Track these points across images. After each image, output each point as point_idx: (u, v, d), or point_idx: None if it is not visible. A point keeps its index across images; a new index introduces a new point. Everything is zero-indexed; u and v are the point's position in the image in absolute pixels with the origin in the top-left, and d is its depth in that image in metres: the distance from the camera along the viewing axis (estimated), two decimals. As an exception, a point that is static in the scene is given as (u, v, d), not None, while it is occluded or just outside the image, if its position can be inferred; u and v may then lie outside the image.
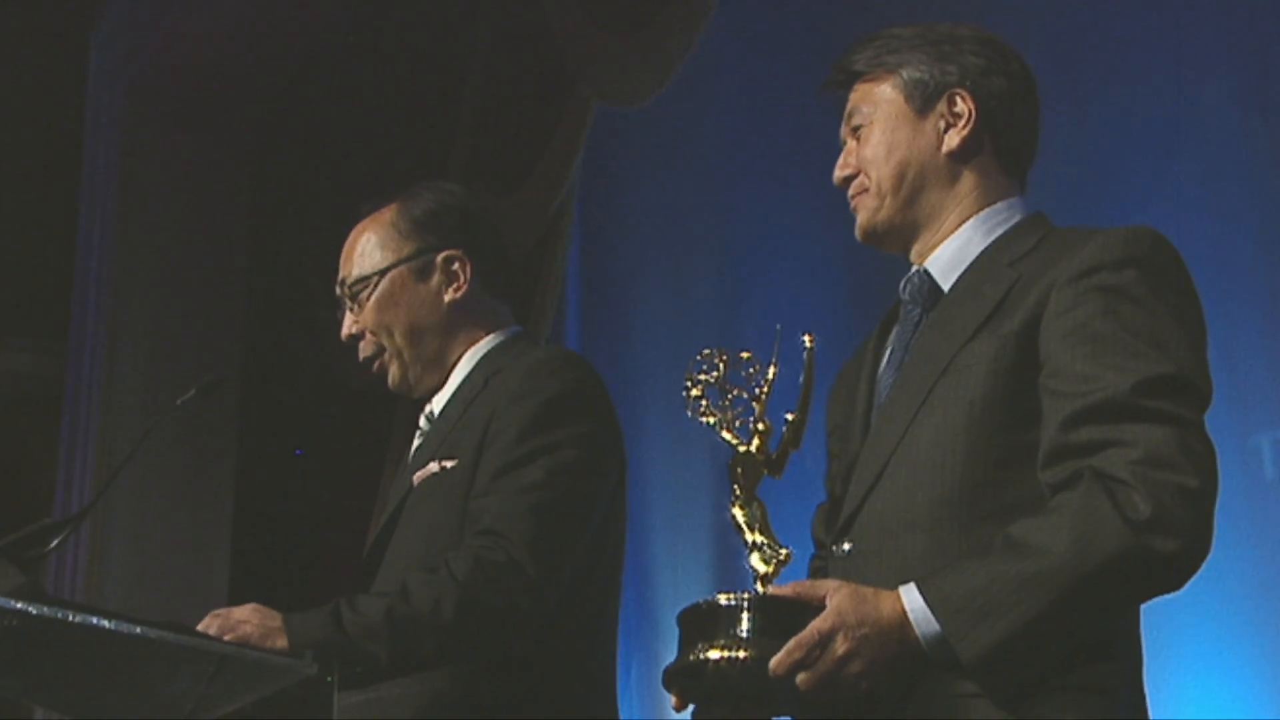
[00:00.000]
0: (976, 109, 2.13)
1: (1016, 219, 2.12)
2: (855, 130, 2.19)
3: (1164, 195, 3.84)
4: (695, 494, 5.02)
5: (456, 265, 2.66)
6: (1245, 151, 3.84)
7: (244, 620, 2.25)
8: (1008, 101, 2.15)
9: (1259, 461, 3.80)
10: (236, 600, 2.40)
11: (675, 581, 4.98)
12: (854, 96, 2.20)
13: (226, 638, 2.22)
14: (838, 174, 2.20)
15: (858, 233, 2.19)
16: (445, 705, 2.40)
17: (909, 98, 2.15)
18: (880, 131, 2.15)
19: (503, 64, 5.52)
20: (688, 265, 5.40)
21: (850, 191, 2.19)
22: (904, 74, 2.16)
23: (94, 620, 2.14)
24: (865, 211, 2.17)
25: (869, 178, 2.16)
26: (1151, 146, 3.98)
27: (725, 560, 4.93)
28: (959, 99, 2.13)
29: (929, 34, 2.19)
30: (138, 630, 2.13)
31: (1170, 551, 1.80)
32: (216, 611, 2.30)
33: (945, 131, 2.14)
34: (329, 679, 2.19)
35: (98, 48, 7.03)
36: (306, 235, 6.36)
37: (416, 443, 2.68)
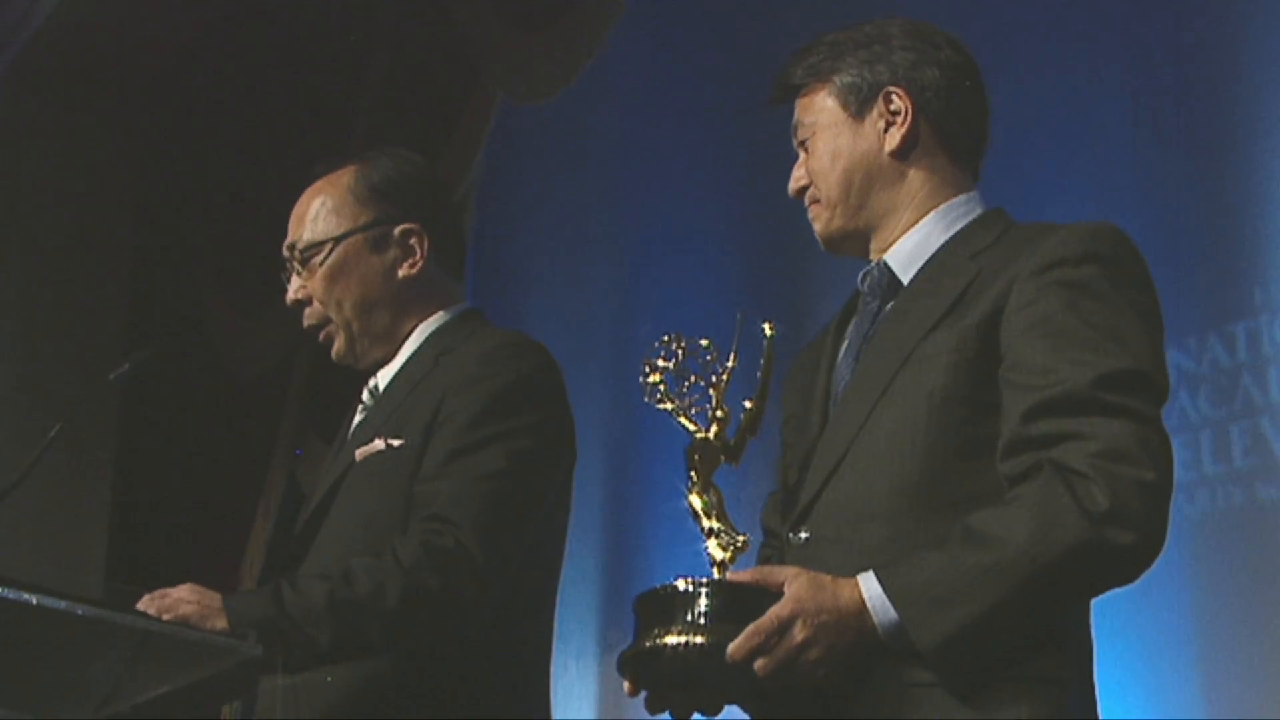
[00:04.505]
0: (912, 104, 2.16)
1: (976, 213, 2.15)
2: (802, 143, 2.21)
3: (1061, 195, 3.94)
4: (586, 486, 5.01)
5: (413, 240, 2.58)
6: (1134, 155, 3.96)
7: (183, 600, 2.19)
8: (943, 91, 2.17)
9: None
10: (112, 580, 2.32)
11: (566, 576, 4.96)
12: (797, 110, 2.24)
13: (165, 618, 2.15)
14: (791, 187, 2.23)
15: (819, 242, 2.22)
16: (374, 692, 2.34)
17: (845, 104, 2.18)
18: (823, 141, 2.18)
19: (406, 56, 5.47)
20: (585, 261, 5.40)
21: (805, 202, 2.21)
22: (837, 80, 2.19)
23: (8, 594, 2.00)
24: (819, 222, 2.20)
25: (819, 189, 2.18)
26: (1051, 147, 4.07)
27: (614, 562, 4.91)
28: (894, 97, 2.16)
29: (858, 35, 2.21)
30: (62, 605, 2.02)
31: (1127, 544, 1.83)
32: (154, 592, 2.23)
33: (885, 131, 2.16)
34: (273, 660, 2.14)
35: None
36: (193, 220, 6.24)
37: (358, 417, 2.60)
